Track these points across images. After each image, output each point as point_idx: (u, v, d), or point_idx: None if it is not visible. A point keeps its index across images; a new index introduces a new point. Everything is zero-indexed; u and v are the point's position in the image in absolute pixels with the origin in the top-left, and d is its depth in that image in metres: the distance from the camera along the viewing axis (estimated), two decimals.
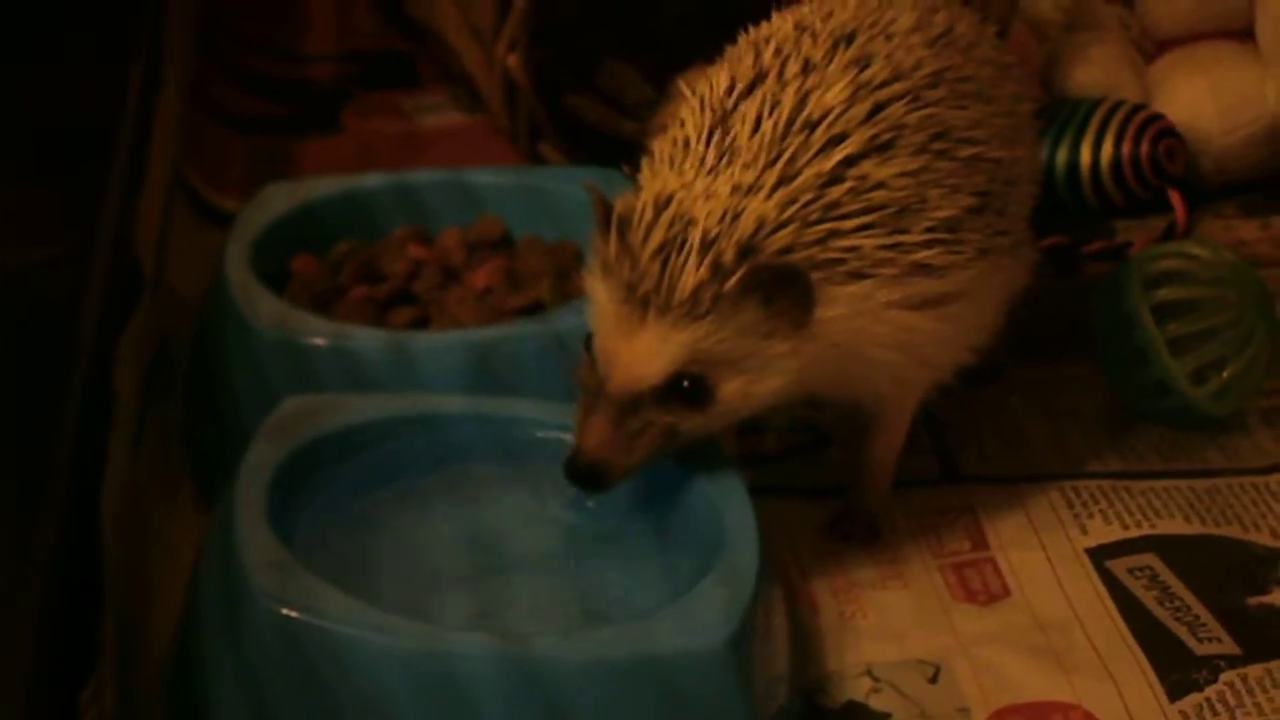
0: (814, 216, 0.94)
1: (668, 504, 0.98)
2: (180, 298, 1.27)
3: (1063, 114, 1.43)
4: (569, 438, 0.99)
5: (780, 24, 1.04)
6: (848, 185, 0.95)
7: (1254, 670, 1.00)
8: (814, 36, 1.01)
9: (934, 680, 1.00)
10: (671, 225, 0.93)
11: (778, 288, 0.93)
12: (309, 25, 1.73)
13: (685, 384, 0.94)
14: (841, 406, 1.06)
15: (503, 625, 0.92)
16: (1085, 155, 1.41)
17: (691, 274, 0.92)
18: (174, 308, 1.26)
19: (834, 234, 0.95)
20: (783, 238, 0.93)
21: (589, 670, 0.86)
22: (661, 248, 0.93)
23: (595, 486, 0.95)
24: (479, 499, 1.00)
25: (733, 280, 0.92)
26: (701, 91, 1.00)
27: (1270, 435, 1.20)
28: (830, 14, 1.04)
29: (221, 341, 1.11)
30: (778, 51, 1.01)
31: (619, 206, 0.95)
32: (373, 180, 1.24)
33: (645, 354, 0.93)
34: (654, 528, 0.98)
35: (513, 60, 1.39)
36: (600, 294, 0.95)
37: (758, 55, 1.01)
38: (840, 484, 1.13)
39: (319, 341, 1.08)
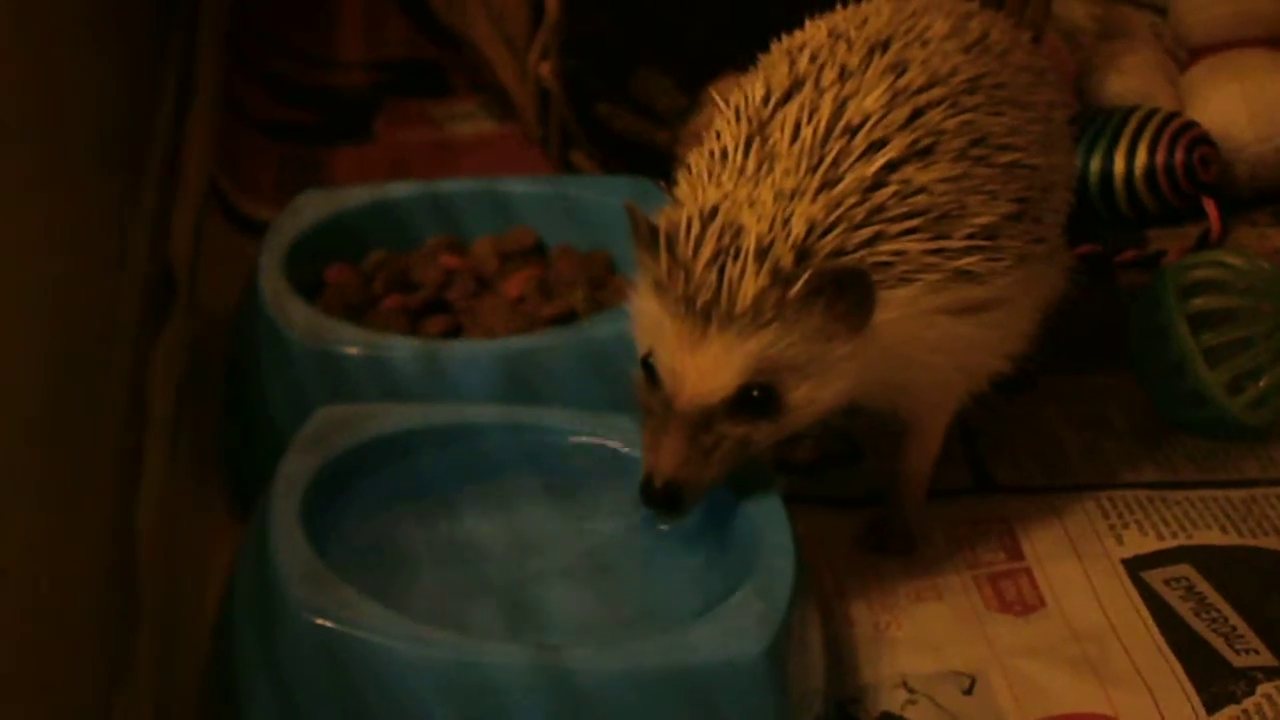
0: (860, 219, 0.94)
1: (703, 514, 0.98)
2: (214, 306, 1.27)
3: (1097, 122, 1.43)
4: (602, 443, 0.99)
5: (814, 31, 1.04)
6: (891, 189, 0.95)
7: None
8: (849, 43, 1.01)
9: (969, 691, 1.00)
10: (721, 235, 0.92)
11: (840, 290, 0.92)
12: (341, 33, 1.74)
13: (755, 394, 0.93)
14: (878, 415, 1.05)
15: (537, 635, 0.92)
16: (1119, 163, 1.41)
17: (751, 282, 0.91)
18: (208, 316, 1.26)
19: (881, 237, 0.94)
20: (832, 240, 0.93)
21: (624, 681, 0.86)
22: (715, 258, 0.92)
23: (674, 509, 0.93)
24: (512, 508, 1.00)
25: (797, 285, 0.91)
26: (736, 101, 1.00)
27: None
28: (865, 21, 1.03)
29: (255, 351, 1.11)
30: (813, 59, 1.00)
31: (663, 222, 0.95)
32: (405, 189, 1.24)
33: (713, 367, 0.92)
34: (689, 539, 0.98)
35: (545, 69, 1.39)
36: (655, 311, 0.94)
37: (793, 63, 1.01)
38: (874, 494, 1.13)
39: (352, 351, 1.08)
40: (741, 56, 1.07)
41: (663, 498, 0.93)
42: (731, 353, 0.92)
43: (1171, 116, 1.42)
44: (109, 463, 1.00)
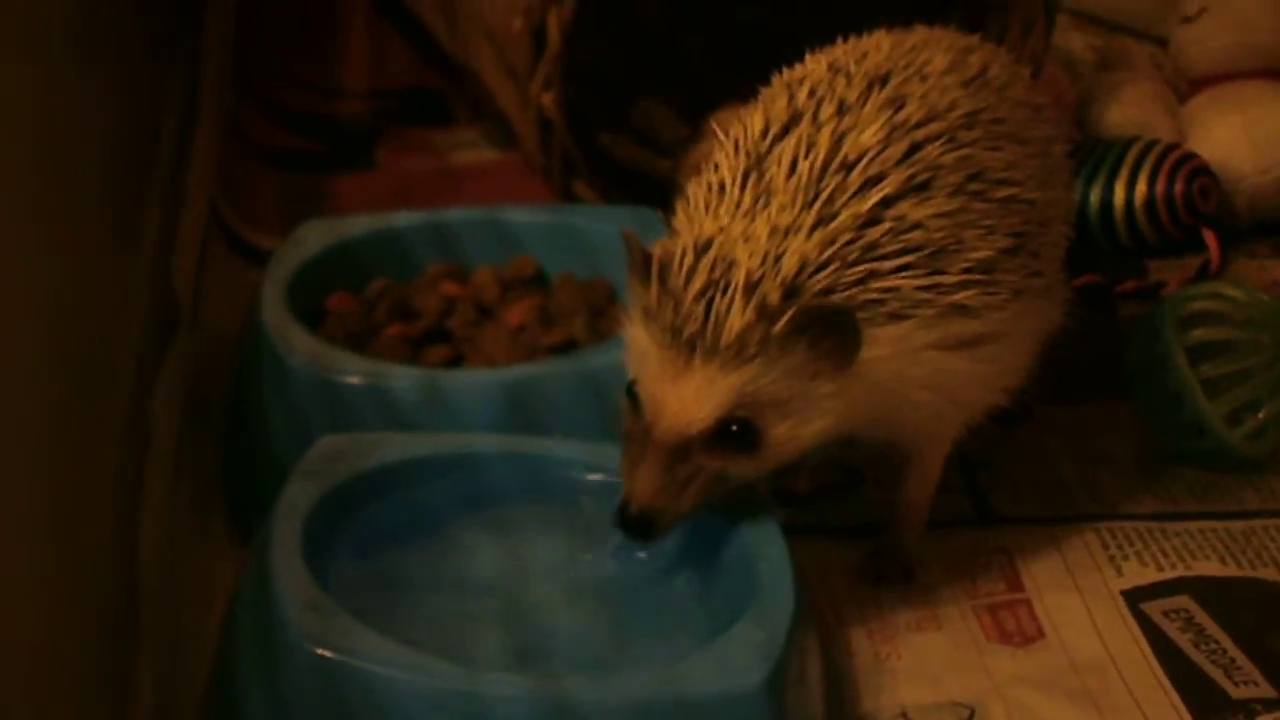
0: (853, 257, 0.94)
1: (703, 545, 0.98)
2: (216, 334, 1.28)
3: (1096, 153, 1.43)
4: (603, 477, 0.99)
5: (814, 65, 1.04)
6: (886, 226, 0.95)
7: None
8: (848, 78, 1.01)
9: None
10: (713, 268, 0.93)
11: (825, 329, 0.93)
12: (343, 62, 1.74)
13: (734, 428, 0.93)
14: (876, 447, 1.06)
15: (537, 666, 0.92)
16: (1119, 194, 1.41)
17: (738, 316, 0.92)
18: (210, 344, 1.27)
19: (873, 275, 0.94)
20: (824, 279, 0.93)
21: (623, 712, 0.86)
22: (704, 290, 0.92)
23: (646, 536, 0.94)
24: (513, 538, 1.00)
25: (781, 322, 0.92)
26: (735, 134, 1.01)
27: None
28: (864, 55, 1.04)
29: (257, 379, 1.12)
30: (811, 93, 1.01)
31: (658, 252, 0.95)
32: (407, 218, 1.25)
33: (693, 399, 0.93)
34: (689, 568, 0.98)
35: (547, 99, 1.39)
36: (643, 340, 0.95)
37: (791, 97, 1.01)
38: (873, 524, 1.13)
39: (354, 380, 1.08)
40: (743, 87, 1.07)
41: (636, 524, 0.93)
42: (713, 385, 0.92)
43: (1171, 147, 1.43)
44: (111, 489, 1.00)
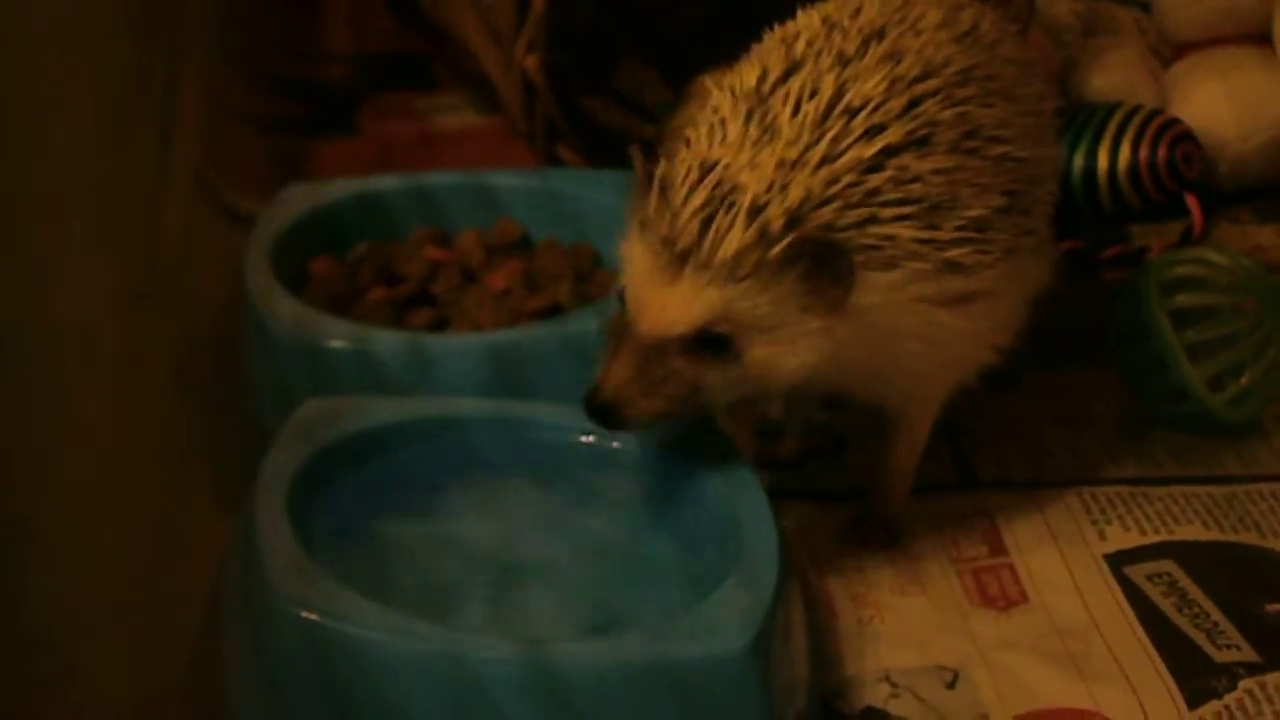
0: (855, 199, 0.95)
1: (686, 509, 0.98)
2: (200, 298, 1.27)
3: (1080, 118, 1.43)
4: (589, 439, 0.99)
5: (807, 21, 1.04)
6: (888, 174, 0.96)
7: (1273, 678, 1.00)
8: (844, 32, 1.01)
9: (952, 686, 1.00)
10: (716, 188, 0.94)
11: (820, 263, 0.93)
12: (326, 26, 1.74)
13: (713, 339, 0.94)
14: (863, 407, 1.06)
15: (523, 629, 0.92)
16: (1102, 160, 1.41)
17: (737, 235, 0.92)
18: (193, 308, 1.26)
19: (873, 220, 0.95)
20: (826, 214, 0.94)
21: (608, 675, 0.86)
22: (704, 206, 0.93)
23: (612, 423, 0.95)
24: (497, 502, 1.01)
25: (778, 248, 0.92)
26: (729, 83, 1.01)
27: None
28: (858, 10, 1.04)
29: (241, 343, 1.12)
30: (810, 44, 1.01)
31: (661, 168, 0.96)
32: (391, 182, 1.25)
33: (678, 302, 0.93)
34: (673, 532, 0.98)
35: (531, 62, 1.39)
36: (636, 248, 0.96)
37: (789, 48, 1.01)
38: (857, 488, 1.13)
39: (338, 344, 1.08)
40: (728, 50, 1.07)
41: (600, 410, 0.94)
42: (699, 294, 0.93)
43: (1155, 113, 1.43)
44: (97, 456, 1.00)
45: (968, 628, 1.04)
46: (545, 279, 1.19)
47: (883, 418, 1.07)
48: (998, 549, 1.10)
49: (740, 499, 0.97)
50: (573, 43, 1.43)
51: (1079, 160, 1.41)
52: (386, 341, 1.08)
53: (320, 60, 1.68)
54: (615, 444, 1.01)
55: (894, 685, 1.00)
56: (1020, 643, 1.03)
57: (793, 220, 0.93)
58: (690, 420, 0.99)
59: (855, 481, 1.14)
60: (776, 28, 1.05)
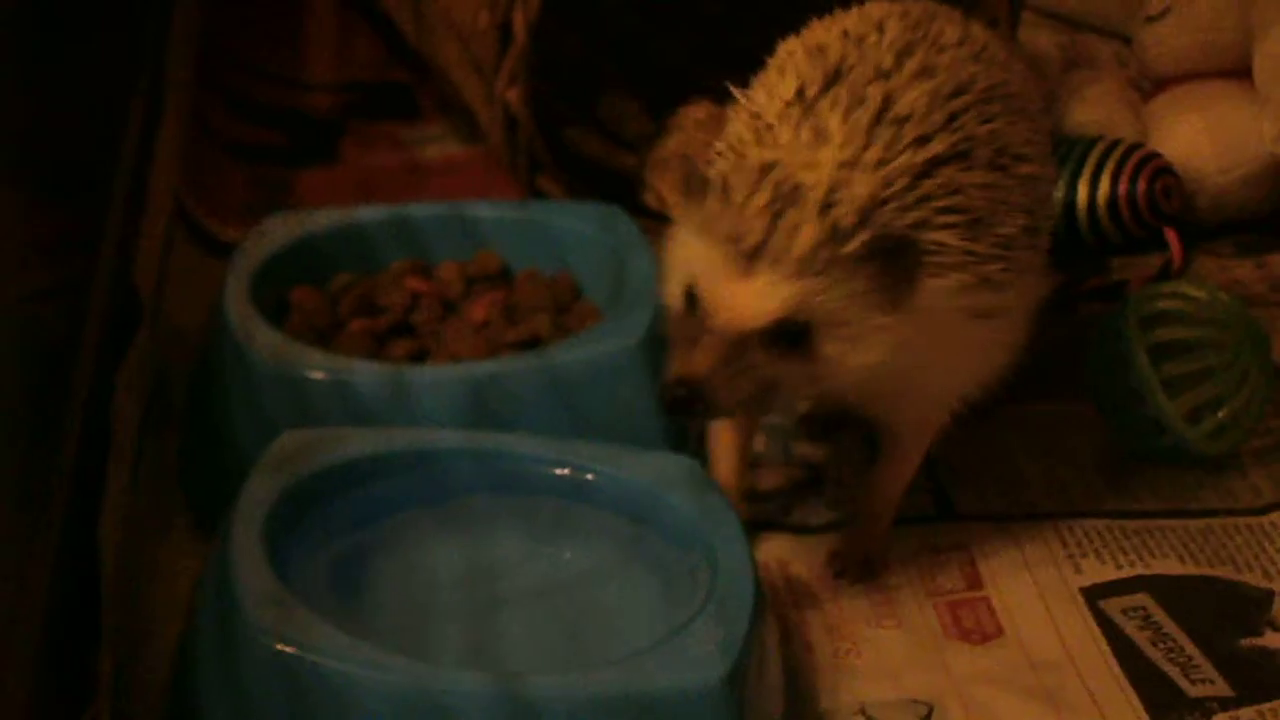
0: (910, 202, 0.96)
1: (661, 541, 0.99)
2: (179, 328, 1.28)
3: (1060, 151, 1.43)
4: (566, 473, 0.99)
5: (827, 36, 1.05)
6: (938, 181, 0.97)
7: (1246, 713, 1.00)
8: (875, 46, 1.02)
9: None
10: (779, 185, 0.94)
11: (893, 260, 0.94)
12: (309, 55, 1.74)
13: (792, 332, 0.94)
14: (863, 427, 1.06)
15: (497, 661, 0.92)
16: (1082, 193, 1.41)
17: (810, 230, 0.93)
18: (173, 338, 1.26)
19: (925, 224, 0.96)
20: (887, 214, 0.95)
21: (583, 708, 0.86)
22: (771, 203, 0.94)
23: (690, 410, 0.94)
24: (475, 533, 1.01)
25: (854, 244, 0.93)
26: (763, 93, 1.02)
27: (1264, 475, 1.20)
28: (880, 25, 1.04)
29: (220, 373, 1.12)
30: (842, 58, 1.02)
31: (714, 171, 0.97)
32: (372, 212, 1.25)
33: (757, 297, 0.93)
34: (648, 564, 0.98)
35: (513, 94, 1.39)
36: (699, 247, 0.95)
37: (823, 60, 1.02)
38: (835, 521, 1.13)
39: (317, 375, 1.08)
40: (709, 82, 1.08)
41: (681, 400, 0.93)
42: (777, 288, 0.93)
43: (1135, 147, 1.43)
44: (71, 484, 1.00)
45: (943, 661, 1.05)
46: (525, 310, 1.19)
47: (872, 447, 1.07)
48: (974, 582, 1.10)
49: (716, 531, 0.97)
50: (555, 74, 1.44)
51: (1059, 193, 1.42)
52: (366, 373, 1.08)
53: (303, 89, 1.68)
54: (590, 476, 1.01)
55: (869, 719, 1.00)
56: (995, 676, 1.03)
57: (864, 217, 0.94)
58: (670, 450, 0.99)
59: (833, 514, 1.14)
60: (795, 39, 1.06)
